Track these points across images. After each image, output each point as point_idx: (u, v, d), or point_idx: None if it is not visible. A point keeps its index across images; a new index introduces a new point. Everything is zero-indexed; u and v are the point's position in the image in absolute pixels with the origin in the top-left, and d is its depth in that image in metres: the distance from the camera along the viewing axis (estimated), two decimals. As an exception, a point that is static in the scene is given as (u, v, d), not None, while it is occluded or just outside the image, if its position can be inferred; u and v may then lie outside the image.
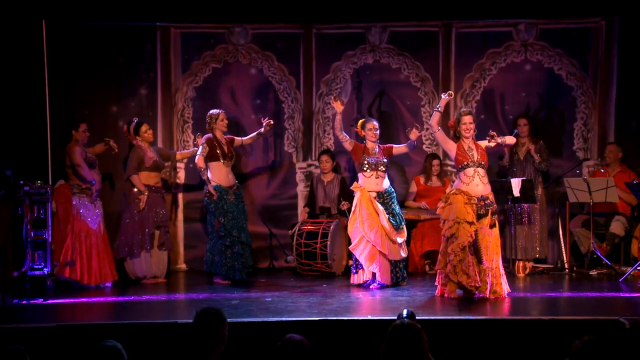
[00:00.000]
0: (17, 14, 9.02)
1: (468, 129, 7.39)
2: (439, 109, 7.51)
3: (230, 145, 8.69)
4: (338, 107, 8.07)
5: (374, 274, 7.93)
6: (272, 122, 8.83)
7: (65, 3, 9.19)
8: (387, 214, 7.97)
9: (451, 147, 7.46)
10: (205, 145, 8.49)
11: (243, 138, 8.96)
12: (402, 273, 8.11)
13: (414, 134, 8.14)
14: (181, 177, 9.72)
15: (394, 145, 8.33)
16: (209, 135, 8.57)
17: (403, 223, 8.12)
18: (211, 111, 8.69)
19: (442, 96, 7.57)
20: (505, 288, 7.30)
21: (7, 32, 8.98)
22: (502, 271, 7.33)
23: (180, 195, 9.72)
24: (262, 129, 8.82)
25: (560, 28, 9.69)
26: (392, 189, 8.20)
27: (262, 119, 8.86)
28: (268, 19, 9.62)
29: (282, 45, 9.79)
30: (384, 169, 8.10)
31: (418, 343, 3.94)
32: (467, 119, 7.41)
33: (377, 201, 7.98)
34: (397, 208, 8.11)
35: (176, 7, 9.43)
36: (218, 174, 8.50)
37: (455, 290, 7.22)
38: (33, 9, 9.09)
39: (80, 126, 8.43)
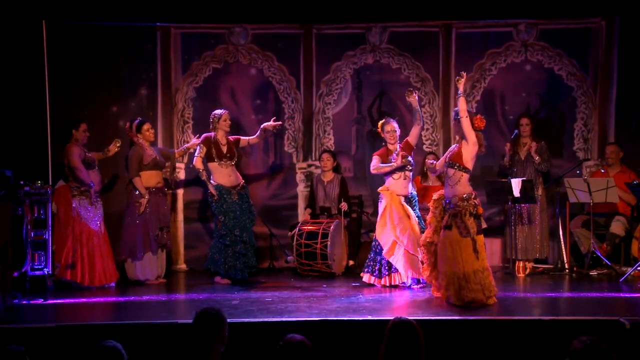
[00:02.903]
0: (17, 14, 9.02)
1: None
2: (461, 94, 6.94)
3: (233, 145, 8.67)
4: (414, 101, 7.86)
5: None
6: (280, 124, 8.89)
7: (65, 3, 9.19)
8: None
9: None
10: (202, 146, 8.51)
11: (250, 138, 8.93)
12: None
13: (413, 99, 7.91)
14: (181, 177, 9.72)
15: (408, 138, 8.17)
16: (208, 134, 8.58)
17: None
18: (215, 111, 8.69)
19: (458, 80, 7.21)
20: (455, 299, 6.80)
21: (7, 32, 8.99)
22: (459, 279, 6.78)
23: (180, 195, 9.72)
24: (265, 126, 8.77)
25: (560, 28, 9.69)
26: (415, 193, 8.21)
27: (274, 121, 8.81)
28: (268, 19, 9.62)
29: (282, 46, 9.79)
30: (410, 168, 8.00)
31: (416, 338, 3.97)
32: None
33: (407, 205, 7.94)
34: (418, 212, 8.09)
35: (176, 7, 9.43)
36: (218, 175, 8.51)
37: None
38: (33, 9, 9.10)
39: (80, 125, 8.41)
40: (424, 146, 9.74)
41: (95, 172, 8.49)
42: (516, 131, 9.21)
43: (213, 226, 8.63)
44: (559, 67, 9.67)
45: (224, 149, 8.56)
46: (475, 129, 6.90)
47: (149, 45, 9.64)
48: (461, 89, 6.94)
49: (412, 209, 8.00)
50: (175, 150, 9.29)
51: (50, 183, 8.84)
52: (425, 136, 9.74)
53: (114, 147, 8.75)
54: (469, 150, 6.89)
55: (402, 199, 7.97)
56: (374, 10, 9.49)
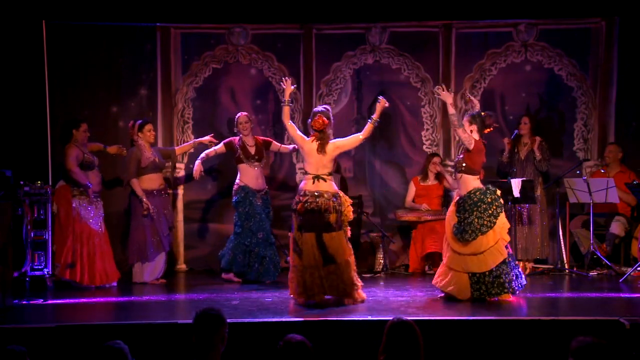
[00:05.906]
0: (17, 14, 9.02)
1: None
2: (284, 103, 7.16)
3: (261, 146, 8.70)
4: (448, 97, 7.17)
5: None
6: None
7: (65, 3, 9.19)
8: (459, 219, 7.16)
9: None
10: (222, 146, 8.67)
11: (282, 145, 8.94)
12: (486, 288, 7.02)
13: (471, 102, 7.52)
14: (181, 178, 9.71)
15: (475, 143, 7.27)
16: (233, 138, 8.69)
17: (475, 234, 7.02)
18: (237, 114, 8.76)
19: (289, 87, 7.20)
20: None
21: (7, 32, 9.00)
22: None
23: (180, 196, 9.70)
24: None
25: (560, 28, 9.69)
26: (480, 194, 7.10)
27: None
28: (268, 19, 9.61)
29: (282, 46, 9.78)
30: (460, 168, 7.19)
31: (414, 339, 3.98)
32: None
33: (456, 206, 7.28)
34: (474, 216, 7.01)
35: (176, 7, 9.43)
36: (246, 176, 8.55)
37: None
38: (33, 9, 9.10)
39: (81, 125, 8.40)
40: (424, 146, 9.75)
41: (95, 173, 8.47)
42: (516, 131, 9.22)
43: (233, 227, 8.58)
44: (559, 67, 9.67)
45: (252, 150, 8.61)
46: (314, 129, 7.11)
47: (149, 46, 9.63)
48: (286, 98, 7.10)
49: (461, 210, 7.16)
50: (176, 148, 9.28)
51: (50, 183, 8.84)
52: (425, 136, 9.74)
53: (117, 150, 8.74)
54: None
55: (458, 197, 7.43)
56: (374, 10, 9.49)
